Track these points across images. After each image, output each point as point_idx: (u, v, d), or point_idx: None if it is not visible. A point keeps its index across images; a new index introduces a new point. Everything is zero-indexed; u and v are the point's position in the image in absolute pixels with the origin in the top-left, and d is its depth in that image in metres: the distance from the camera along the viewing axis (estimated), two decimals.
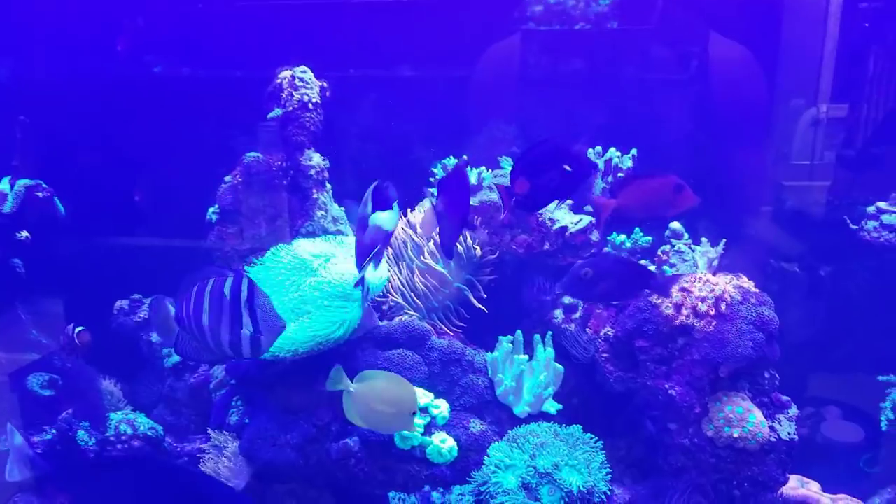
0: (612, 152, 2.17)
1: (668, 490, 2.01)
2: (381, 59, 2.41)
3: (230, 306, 1.48)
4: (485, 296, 2.25)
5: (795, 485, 2.41)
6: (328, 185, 2.24)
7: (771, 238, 2.47)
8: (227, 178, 2.25)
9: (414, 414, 1.82)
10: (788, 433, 1.93)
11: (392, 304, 2.18)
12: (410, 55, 2.41)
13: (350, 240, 2.18)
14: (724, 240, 2.19)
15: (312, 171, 2.14)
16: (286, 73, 2.18)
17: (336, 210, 2.25)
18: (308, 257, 2.08)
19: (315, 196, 2.17)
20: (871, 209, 2.10)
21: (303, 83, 2.15)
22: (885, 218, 2.03)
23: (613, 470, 2.23)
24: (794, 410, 1.98)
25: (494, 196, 2.17)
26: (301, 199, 2.19)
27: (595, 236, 2.21)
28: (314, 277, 2.07)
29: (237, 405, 2.20)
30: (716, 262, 2.20)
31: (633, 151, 2.17)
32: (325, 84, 2.23)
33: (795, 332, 2.40)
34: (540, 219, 2.18)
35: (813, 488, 2.39)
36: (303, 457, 2.06)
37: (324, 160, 2.18)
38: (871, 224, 2.07)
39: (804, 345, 2.43)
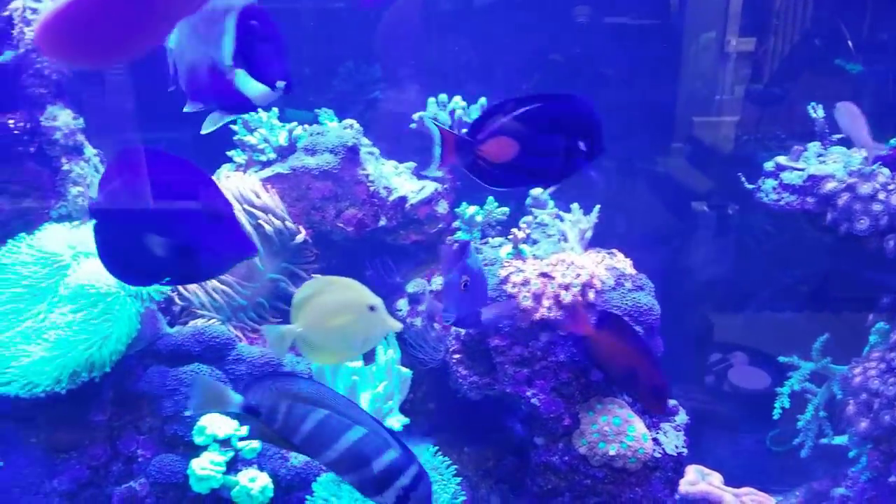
0: (457, 103, 1.72)
1: None
2: None
3: None
4: None
5: (694, 478, 2.10)
6: (90, 151, 1.70)
7: (680, 175, 2.31)
8: None
9: (374, 308, 1.32)
10: (676, 446, 1.58)
11: (183, 303, 1.70)
12: None
13: None
14: (598, 206, 1.80)
15: (58, 135, 1.59)
16: (17, 3, 1.60)
17: None
18: (59, 250, 1.56)
19: (66, 167, 1.62)
20: (769, 165, 1.73)
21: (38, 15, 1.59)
22: (786, 176, 1.67)
23: (480, 487, 1.89)
24: (682, 417, 1.63)
25: (311, 161, 1.69)
26: (52, 171, 1.65)
27: (443, 208, 1.77)
28: (70, 278, 1.56)
29: None
30: (588, 234, 1.81)
31: (482, 101, 1.73)
32: None
33: (702, 272, 2.29)
34: (371, 188, 1.72)
35: (714, 481, 2.09)
36: None
37: (75, 119, 1.63)
38: (770, 183, 1.71)
39: (710, 285, 2.30)
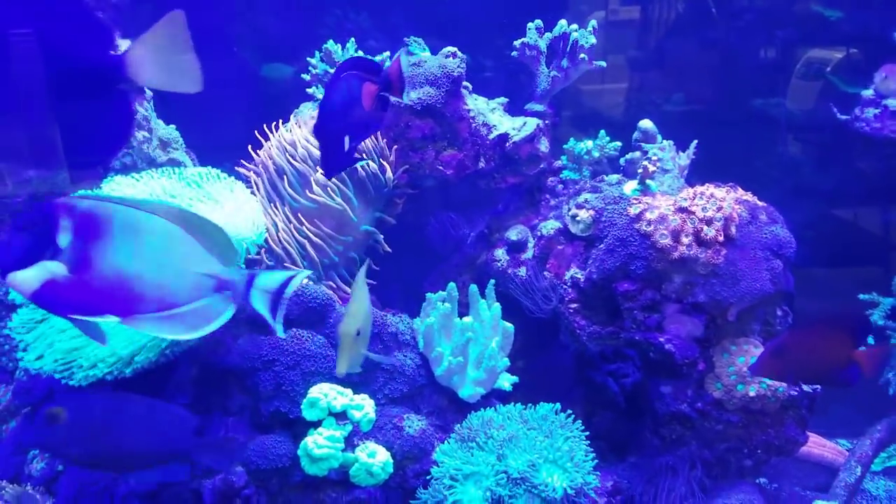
0: (563, 24, 1.57)
1: (662, 470, 1.56)
2: None
3: None
4: None
5: None
6: (148, 92, 1.44)
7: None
8: None
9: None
10: None
11: (270, 262, 1.48)
12: None
13: (196, 172, 1.42)
14: (696, 141, 1.71)
15: None
16: None
17: (165, 129, 1.45)
18: None
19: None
20: (867, 93, 1.70)
21: None
22: (891, 103, 1.64)
23: None
24: None
25: (411, 96, 1.50)
26: None
27: (544, 146, 1.62)
28: None
29: None
30: (686, 173, 1.72)
31: (593, 23, 1.59)
32: None
33: None
34: (473, 125, 1.55)
35: None
36: None
37: None
38: (871, 112, 1.67)
39: None
